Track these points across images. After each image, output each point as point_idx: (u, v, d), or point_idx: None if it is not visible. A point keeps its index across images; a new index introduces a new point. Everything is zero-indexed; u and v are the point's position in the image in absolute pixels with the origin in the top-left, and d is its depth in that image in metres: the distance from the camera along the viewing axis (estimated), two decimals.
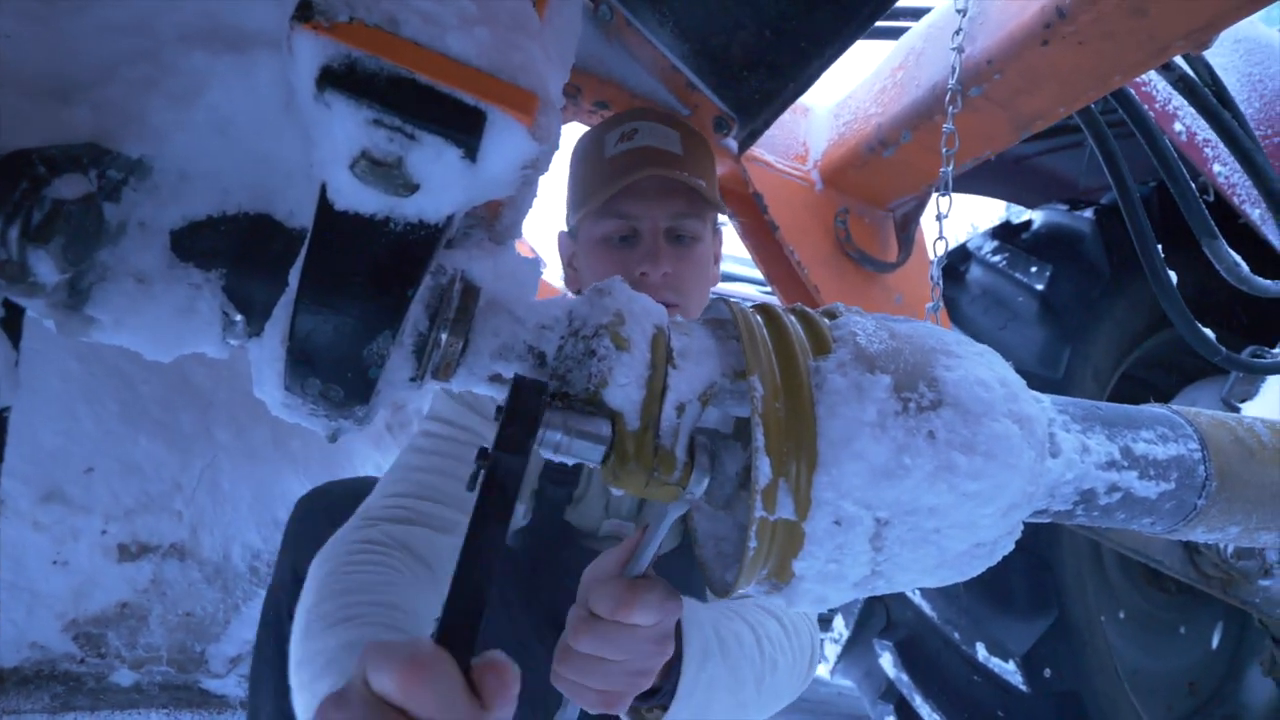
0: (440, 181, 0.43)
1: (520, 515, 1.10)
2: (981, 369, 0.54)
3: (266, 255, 0.48)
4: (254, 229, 0.48)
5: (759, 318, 0.56)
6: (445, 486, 0.91)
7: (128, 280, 0.44)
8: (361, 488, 1.00)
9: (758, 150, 1.25)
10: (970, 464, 0.50)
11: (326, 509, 0.99)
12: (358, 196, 0.44)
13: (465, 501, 0.93)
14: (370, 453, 1.63)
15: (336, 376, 0.47)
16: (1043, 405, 0.62)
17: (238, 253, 0.48)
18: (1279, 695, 2.14)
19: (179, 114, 0.44)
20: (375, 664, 0.39)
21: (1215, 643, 2.26)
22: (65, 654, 1.17)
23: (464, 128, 0.41)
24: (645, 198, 1.03)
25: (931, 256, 0.90)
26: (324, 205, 0.44)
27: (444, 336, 0.51)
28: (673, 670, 0.67)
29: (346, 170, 0.42)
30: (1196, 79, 0.93)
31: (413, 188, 0.43)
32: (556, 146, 0.58)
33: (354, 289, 0.45)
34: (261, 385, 0.49)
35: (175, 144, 0.45)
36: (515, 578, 1.09)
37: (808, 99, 1.40)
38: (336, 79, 0.39)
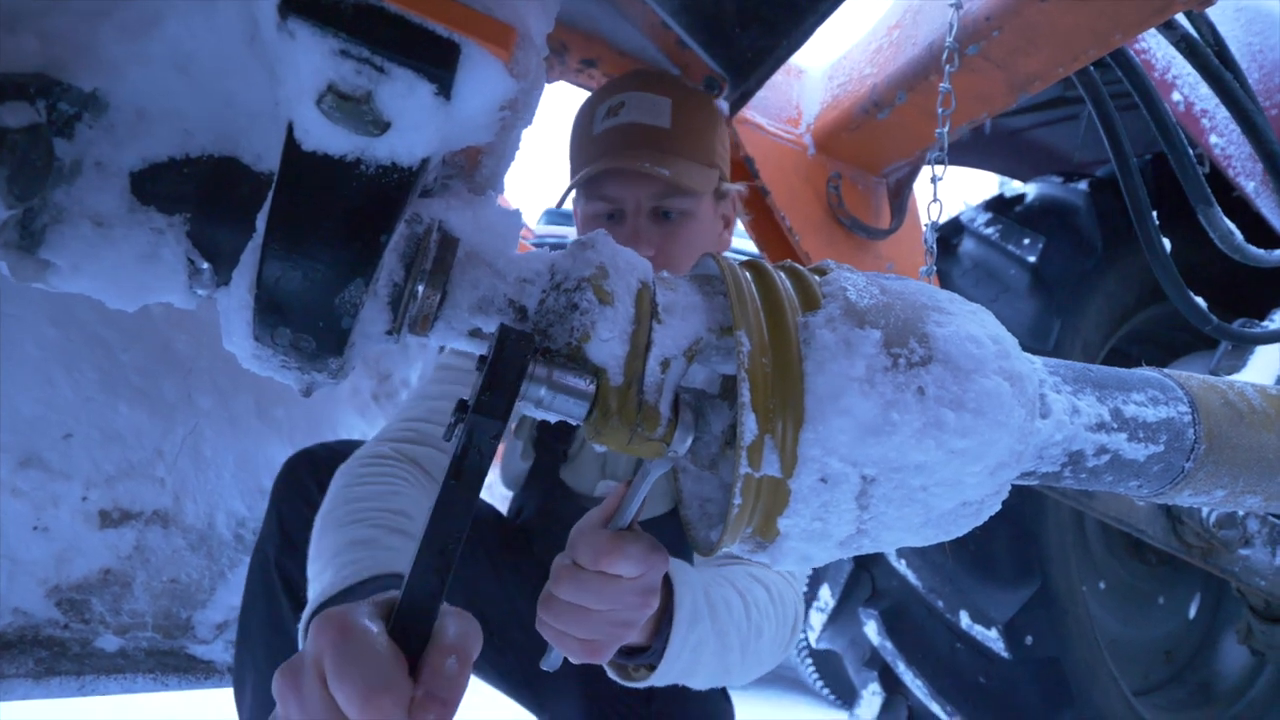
0: (412, 120, 0.41)
1: (520, 454, 1.12)
2: (973, 326, 0.53)
3: (232, 200, 0.46)
4: (219, 172, 0.46)
5: (748, 273, 0.55)
6: (437, 433, 0.95)
7: (85, 223, 0.42)
8: (348, 449, 1.01)
9: (749, 113, 1.22)
10: (959, 420, 0.49)
11: (312, 467, 1.00)
12: (326, 136, 0.42)
13: None
14: (356, 421, 1.61)
15: (307, 326, 0.45)
16: (1034, 366, 0.61)
17: (202, 197, 0.45)
18: (1252, 663, 2.19)
19: (133, 46, 0.42)
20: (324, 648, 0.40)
21: (1192, 613, 2.31)
22: (49, 619, 1.16)
23: (436, 61, 0.39)
24: (625, 179, 1.02)
25: (925, 221, 0.89)
26: (291, 146, 0.42)
27: (421, 288, 0.50)
28: (661, 630, 0.67)
29: (313, 106, 0.40)
30: (1198, 38, 0.91)
31: (383, 126, 0.41)
32: (539, 89, 0.56)
33: (324, 234, 0.43)
34: (230, 336, 0.47)
35: (131, 79, 0.42)
36: (506, 541, 1.09)
37: (802, 60, 1.37)
38: (300, 6, 0.37)
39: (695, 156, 1.04)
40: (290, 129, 0.42)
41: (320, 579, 0.68)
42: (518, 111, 0.49)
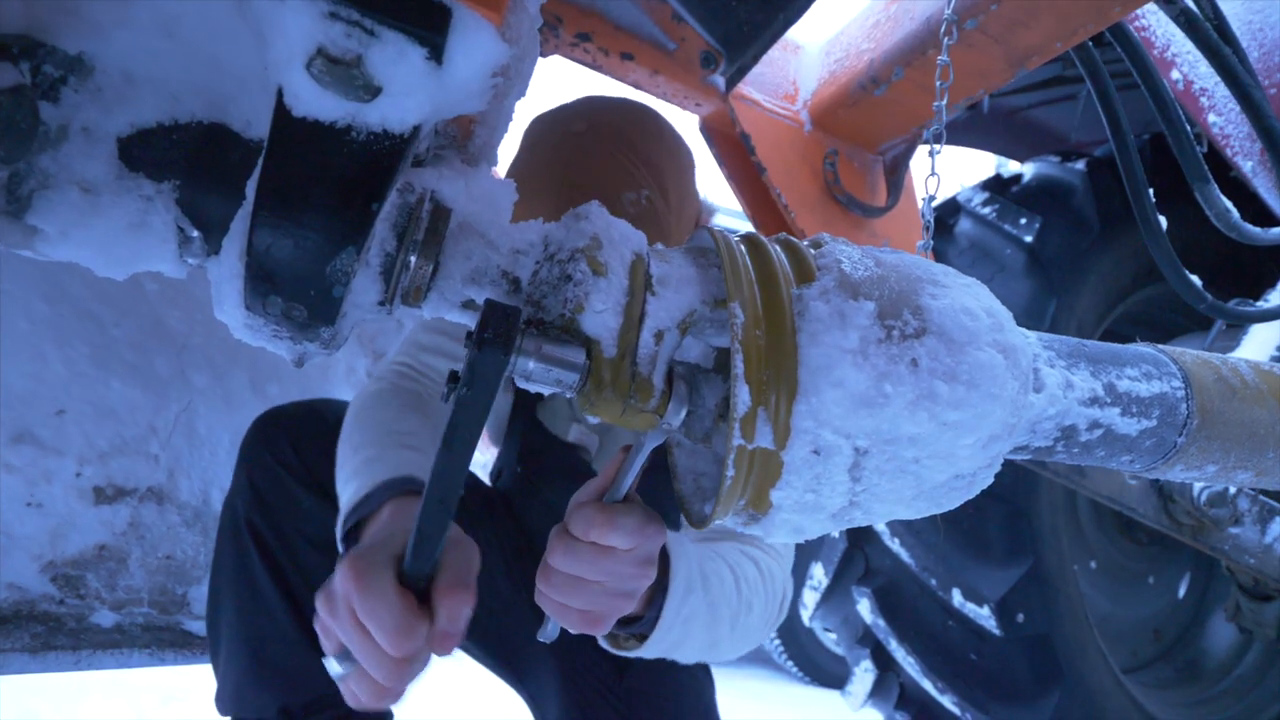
0: (404, 85, 0.40)
1: (502, 388, 1.14)
2: (968, 298, 0.53)
3: (222, 167, 0.45)
4: (208, 139, 0.45)
5: (742, 246, 0.55)
6: (438, 364, 1.02)
7: (72, 189, 0.42)
8: (318, 406, 1.01)
9: (745, 88, 1.21)
10: (952, 393, 0.49)
11: (282, 424, 0.99)
12: (316, 102, 0.41)
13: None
14: (350, 399, 1.61)
15: (299, 295, 0.45)
16: (1029, 340, 0.61)
17: (191, 164, 0.45)
18: (1238, 640, 2.22)
19: (119, 9, 0.41)
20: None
21: (1181, 593, 2.34)
22: (44, 595, 1.16)
23: (427, 24, 0.39)
24: None
25: (922, 195, 0.88)
26: (281, 111, 0.41)
27: (413, 259, 0.49)
28: (655, 600, 0.67)
29: (303, 71, 0.39)
30: (1198, 12, 0.90)
31: (374, 91, 0.40)
32: (532, 59, 0.56)
33: (314, 202, 0.43)
34: (221, 305, 0.47)
35: (117, 42, 0.41)
36: (486, 509, 1.10)
37: (799, 36, 1.35)
38: None
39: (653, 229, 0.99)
40: (280, 94, 0.41)
41: (345, 492, 0.79)
42: (510, 79, 0.48)
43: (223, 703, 0.98)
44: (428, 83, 0.41)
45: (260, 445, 0.98)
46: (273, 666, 0.93)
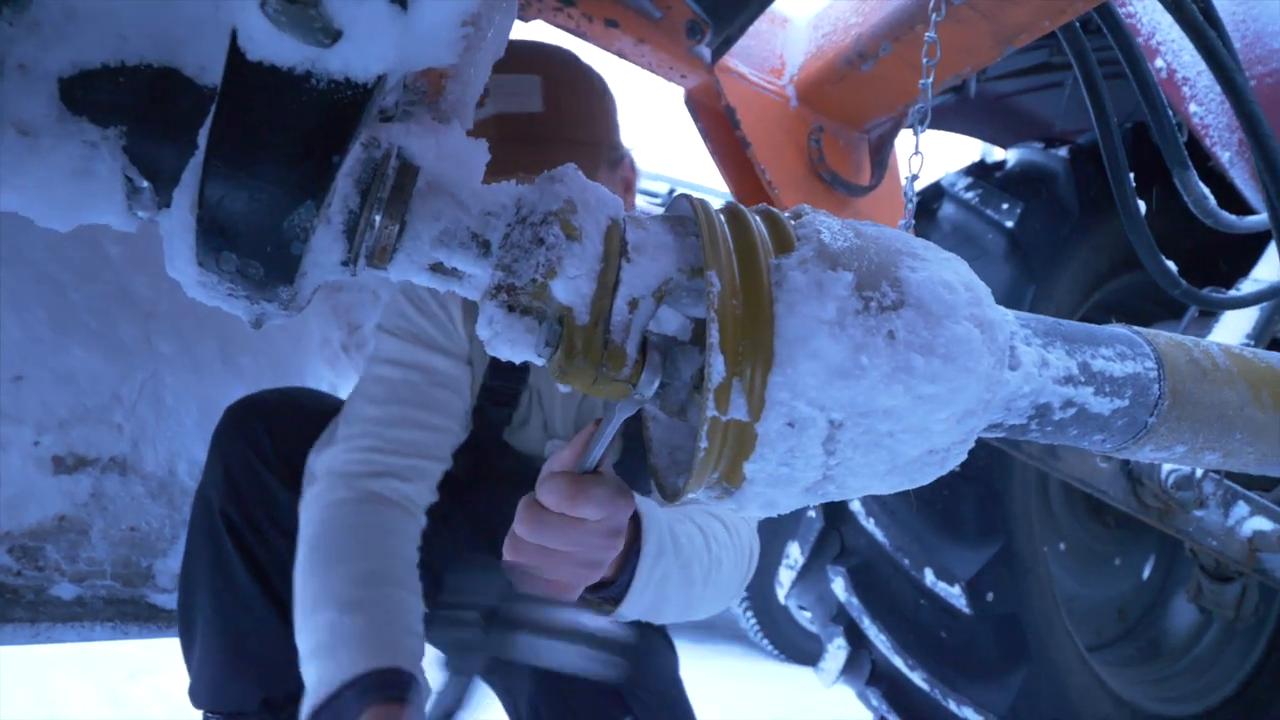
0: (367, 29, 0.38)
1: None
2: (947, 272, 0.52)
3: (173, 114, 0.43)
4: (158, 84, 0.43)
5: (721, 215, 0.54)
6: (406, 436, 0.94)
7: (8, 130, 0.39)
8: (295, 396, 0.99)
9: (732, 61, 1.19)
10: (928, 366, 0.48)
11: (258, 413, 0.97)
12: (273, 45, 0.39)
13: (428, 447, 0.95)
14: (325, 372, 1.58)
15: (255, 251, 0.42)
16: (1006, 317, 0.61)
17: (140, 109, 0.42)
18: (1199, 621, 2.28)
19: None
20: None
21: (1146, 574, 2.40)
22: (0, 566, 1.13)
23: None
24: (506, 171, 0.96)
25: (905, 174, 0.87)
26: (235, 55, 0.39)
27: (378, 218, 0.47)
28: (627, 565, 0.67)
29: (258, 10, 0.37)
30: None
31: (334, 34, 0.38)
32: (507, 15, 0.53)
33: (270, 152, 0.41)
34: (173, 261, 0.45)
35: None
36: (455, 494, 1.08)
37: (787, 8, 1.33)
38: None
39: (577, 135, 0.95)
40: (234, 37, 0.39)
41: (308, 670, 0.73)
42: (482, 30, 0.46)
43: (198, 696, 0.96)
44: (392, 28, 0.39)
45: (236, 435, 0.96)
46: (252, 658, 0.92)
